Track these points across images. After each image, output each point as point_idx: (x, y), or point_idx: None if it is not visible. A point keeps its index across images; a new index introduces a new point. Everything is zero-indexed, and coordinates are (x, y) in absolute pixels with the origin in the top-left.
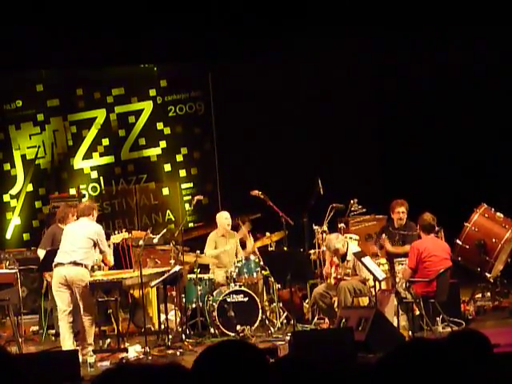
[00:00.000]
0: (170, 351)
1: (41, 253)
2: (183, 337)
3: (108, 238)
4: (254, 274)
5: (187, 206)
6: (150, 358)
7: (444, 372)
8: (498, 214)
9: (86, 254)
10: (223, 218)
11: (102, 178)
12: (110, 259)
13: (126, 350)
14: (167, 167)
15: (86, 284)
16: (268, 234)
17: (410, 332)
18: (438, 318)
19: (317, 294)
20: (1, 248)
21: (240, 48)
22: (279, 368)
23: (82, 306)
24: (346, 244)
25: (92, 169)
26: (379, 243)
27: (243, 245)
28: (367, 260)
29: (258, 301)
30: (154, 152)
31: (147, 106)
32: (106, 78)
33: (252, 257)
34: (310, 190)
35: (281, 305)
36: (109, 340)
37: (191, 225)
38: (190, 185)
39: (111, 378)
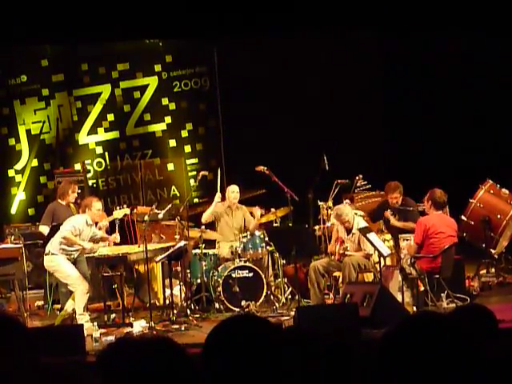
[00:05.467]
0: (175, 326)
1: (43, 229)
2: (188, 312)
3: (110, 214)
4: (259, 250)
5: (192, 181)
6: (154, 332)
7: (450, 345)
8: (504, 190)
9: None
10: (230, 191)
11: (107, 153)
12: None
13: (130, 325)
14: (172, 143)
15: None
16: (273, 209)
17: (415, 308)
18: (442, 294)
19: (314, 269)
20: (6, 223)
21: (246, 23)
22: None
23: None
24: (353, 217)
25: (97, 144)
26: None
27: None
28: (372, 236)
29: (263, 276)
30: (159, 127)
31: (152, 82)
32: (110, 53)
33: (257, 232)
34: (315, 166)
35: (286, 280)
36: (114, 315)
37: (196, 200)
38: (195, 160)
39: (115, 352)
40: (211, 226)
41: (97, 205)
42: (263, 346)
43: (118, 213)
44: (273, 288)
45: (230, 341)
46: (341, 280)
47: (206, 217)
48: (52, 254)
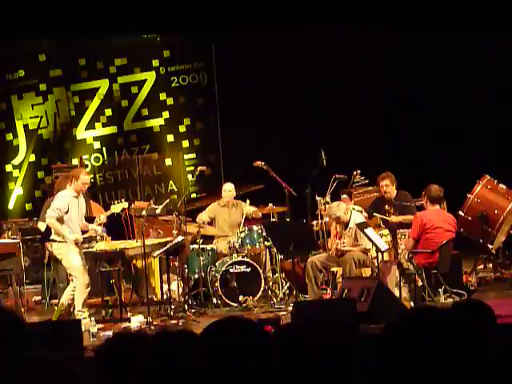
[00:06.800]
0: (173, 321)
1: (41, 225)
2: (185, 307)
3: (108, 208)
4: (257, 245)
5: (190, 176)
6: (152, 328)
7: (448, 341)
8: (501, 185)
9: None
10: (224, 189)
11: (104, 148)
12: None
13: (128, 320)
14: (170, 138)
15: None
16: (271, 205)
17: (412, 303)
18: (440, 289)
19: (311, 264)
20: (3, 218)
21: (244, 19)
22: (281, 337)
23: None
24: (350, 212)
25: (95, 139)
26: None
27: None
28: (370, 231)
29: (261, 271)
30: (156, 122)
31: (150, 77)
32: (108, 48)
33: (255, 227)
34: (312, 161)
35: (283, 275)
36: (111, 310)
37: (194, 195)
38: (193, 155)
39: (113, 348)
40: (209, 222)
41: (84, 178)
42: (249, 350)
43: (117, 207)
44: (270, 283)
45: (217, 345)
46: (338, 275)
47: (201, 217)
48: (58, 241)
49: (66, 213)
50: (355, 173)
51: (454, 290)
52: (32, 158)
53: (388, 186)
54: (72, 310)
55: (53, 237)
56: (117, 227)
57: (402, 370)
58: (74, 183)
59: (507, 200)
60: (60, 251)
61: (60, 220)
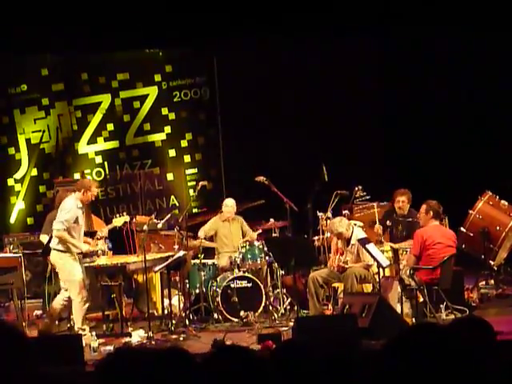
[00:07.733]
0: (174, 336)
1: (43, 238)
2: (186, 322)
3: (109, 222)
4: (258, 260)
5: (191, 191)
6: (153, 342)
7: (448, 357)
8: (503, 201)
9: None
10: (224, 205)
11: (106, 162)
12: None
13: (129, 335)
14: (172, 152)
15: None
16: (272, 220)
17: (414, 319)
18: (441, 305)
19: (313, 280)
20: (5, 232)
21: (246, 33)
22: (282, 353)
23: None
24: (351, 228)
25: (96, 154)
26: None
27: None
28: (371, 246)
29: (262, 287)
30: (158, 137)
31: (152, 92)
32: (111, 63)
33: (256, 243)
34: (314, 177)
35: (284, 291)
36: (112, 324)
37: (195, 210)
38: (195, 170)
39: (114, 362)
40: (209, 238)
41: (95, 190)
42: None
43: (118, 220)
44: (271, 298)
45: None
46: (340, 291)
47: (204, 230)
48: (60, 250)
49: (75, 223)
50: (357, 188)
51: (456, 307)
52: (34, 172)
53: (404, 203)
54: (73, 324)
55: (56, 246)
56: (118, 242)
57: None
58: (85, 194)
59: (509, 216)
60: (60, 260)
61: (68, 232)
